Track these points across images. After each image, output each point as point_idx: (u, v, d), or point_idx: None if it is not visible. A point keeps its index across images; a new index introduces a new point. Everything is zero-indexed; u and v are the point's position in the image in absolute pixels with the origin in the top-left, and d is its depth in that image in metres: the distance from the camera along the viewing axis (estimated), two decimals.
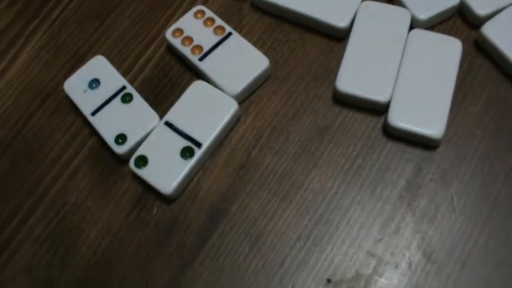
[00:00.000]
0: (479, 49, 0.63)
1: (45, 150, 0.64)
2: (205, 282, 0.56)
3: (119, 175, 0.61)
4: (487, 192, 0.56)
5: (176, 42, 0.65)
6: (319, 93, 0.63)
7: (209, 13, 0.66)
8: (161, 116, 0.61)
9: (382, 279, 0.54)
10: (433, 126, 0.57)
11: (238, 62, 0.63)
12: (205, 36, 0.65)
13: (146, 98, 0.63)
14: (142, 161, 0.59)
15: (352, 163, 0.59)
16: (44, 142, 0.64)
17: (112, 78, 0.64)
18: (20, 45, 0.71)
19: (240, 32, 0.66)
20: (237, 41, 0.64)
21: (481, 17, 0.63)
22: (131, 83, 0.65)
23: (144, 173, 0.58)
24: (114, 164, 0.62)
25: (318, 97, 0.63)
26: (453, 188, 0.57)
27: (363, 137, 0.60)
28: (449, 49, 0.61)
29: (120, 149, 0.60)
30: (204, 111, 0.60)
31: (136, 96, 0.62)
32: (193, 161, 0.58)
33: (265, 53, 0.63)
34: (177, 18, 0.67)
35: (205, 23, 0.65)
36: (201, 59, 0.63)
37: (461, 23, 0.65)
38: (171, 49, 0.67)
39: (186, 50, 0.64)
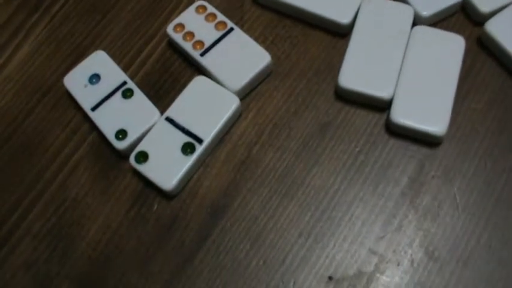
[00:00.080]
0: (482, 46, 0.63)
1: (45, 145, 0.63)
2: (206, 279, 0.55)
3: (119, 171, 0.61)
4: (490, 190, 0.56)
5: (177, 37, 0.64)
6: (321, 90, 0.63)
7: (211, 8, 0.66)
8: (162, 112, 0.61)
9: (384, 277, 0.54)
10: (436, 123, 0.57)
11: (240, 57, 0.62)
12: (206, 32, 0.64)
13: (147, 94, 0.62)
14: (142, 156, 0.58)
15: (354, 160, 0.59)
16: (44, 137, 0.64)
17: (112, 74, 0.63)
18: (20, 40, 0.71)
19: (241, 27, 0.65)
20: (239, 36, 0.64)
21: (485, 14, 0.63)
22: (132, 78, 0.65)
23: (144, 169, 0.58)
24: (115, 160, 0.62)
25: (320, 93, 0.62)
26: (456, 185, 0.57)
27: (365, 133, 0.60)
28: (453, 46, 0.61)
29: (120, 145, 0.59)
30: (205, 107, 0.60)
31: (137, 91, 0.62)
32: (194, 157, 0.58)
33: (267, 49, 0.63)
34: (179, 13, 0.66)
35: (206, 18, 0.65)
36: (202, 55, 0.63)
37: (465, 20, 0.65)
38: (172, 44, 0.67)
39: (187, 45, 0.64)
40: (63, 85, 0.64)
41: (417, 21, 0.63)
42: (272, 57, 0.62)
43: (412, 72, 0.59)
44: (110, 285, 0.56)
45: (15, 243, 0.59)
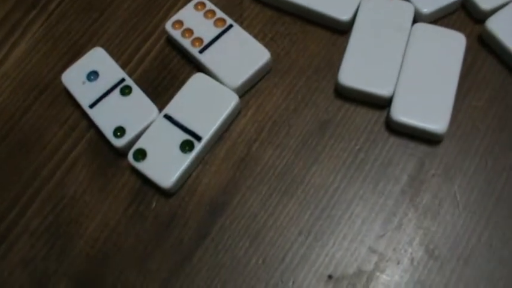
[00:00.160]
0: (483, 44, 0.63)
1: (43, 142, 0.63)
2: (205, 277, 0.55)
3: (117, 168, 0.61)
4: (491, 188, 0.56)
5: (176, 34, 0.64)
6: (321, 87, 0.62)
7: (210, 5, 0.65)
8: (160, 109, 0.60)
9: (384, 276, 0.53)
10: (436, 121, 0.56)
11: (239, 54, 0.62)
12: (205, 29, 0.64)
13: (145, 91, 0.62)
14: (141, 154, 0.58)
15: (354, 158, 0.59)
16: (41, 134, 0.63)
17: (111, 70, 0.63)
18: (18, 36, 0.70)
19: (241, 24, 0.65)
20: (238, 33, 0.63)
21: (485, 11, 0.62)
22: (130, 75, 0.64)
23: (142, 166, 0.58)
24: (113, 157, 0.61)
25: (320, 91, 0.62)
26: (456, 184, 0.56)
27: (365, 131, 0.60)
28: (453, 43, 0.61)
29: (118, 142, 0.59)
30: (204, 104, 0.60)
31: (136, 88, 0.62)
32: (193, 154, 0.58)
33: (266, 46, 0.62)
34: (177, 10, 0.66)
35: (205, 15, 0.65)
36: (201, 52, 0.63)
37: (465, 17, 0.65)
38: (171, 41, 0.66)
39: (186, 42, 0.63)
40: (60, 82, 0.64)
41: (418, 18, 0.63)
42: (271, 54, 0.62)
43: (412, 70, 0.59)
44: (108, 283, 0.56)
45: (13, 240, 0.59)
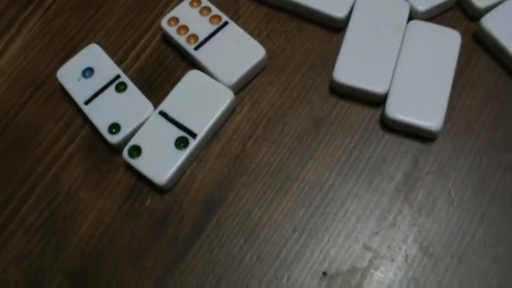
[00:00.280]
0: (478, 42, 0.63)
1: (38, 139, 0.63)
2: (199, 274, 0.55)
3: (112, 165, 0.61)
4: (485, 186, 0.56)
5: (172, 31, 0.64)
6: (316, 84, 0.62)
7: (205, 2, 0.65)
8: (156, 106, 0.60)
9: (378, 273, 0.53)
10: (431, 118, 0.57)
11: (234, 51, 0.62)
12: (201, 25, 0.64)
13: (141, 88, 0.62)
14: (136, 151, 0.58)
15: (349, 155, 0.59)
16: (36, 131, 0.63)
17: (106, 67, 0.63)
18: (13, 33, 0.70)
19: (236, 21, 0.65)
20: (233, 30, 0.63)
21: (480, 9, 0.62)
22: (125, 71, 0.64)
23: (137, 163, 0.58)
24: (108, 154, 0.61)
25: (315, 88, 0.62)
26: (451, 181, 0.56)
27: (360, 128, 0.60)
28: (448, 41, 0.61)
29: (113, 139, 0.59)
30: (199, 101, 0.60)
31: (131, 85, 0.62)
32: (187, 151, 0.58)
33: (262, 43, 0.62)
34: (173, 7, 0.66)
35: (201, 12, 0.65)
36: (196, 48, 0.63)
37: (461, 15, 0.65)
38: (166, 38, 0.66)
39: (181, 39, 0.63)
40: (56, 79, 0.63)
41: (413, 15, 0.63)
42: (267, 51, 0.62)
43: (407, 67, 0.59)
44: (103, 280, 0.56)
45: (8, 237, 0.58)
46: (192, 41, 0.63)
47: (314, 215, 0.56)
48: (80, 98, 0.62)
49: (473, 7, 0.63)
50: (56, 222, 0.59)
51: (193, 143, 0.58)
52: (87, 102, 0.61)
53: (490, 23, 0.61)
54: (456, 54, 0.60)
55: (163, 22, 0.64)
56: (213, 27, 0.63)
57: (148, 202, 0.58)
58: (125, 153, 0.58)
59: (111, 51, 0.66)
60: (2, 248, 0.58)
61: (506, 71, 0.61)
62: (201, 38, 0.63)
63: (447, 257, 0.53)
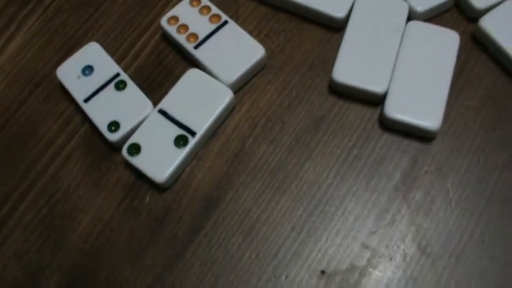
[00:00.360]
0: (476, 42, 0.63)
1: (37, 136, 0.63)
2: (198, 272, 0.55)
3: (111, 163, 0.61)
4: (483, 185, 0.56)
5: (171, 29, 0.64)
6: (315, 84, 0.62)
7: (205, 1, 0.65)
8: (155, 104, 0.60)
9: (377, 272, 0.54)
10: (429, 118, 0.57)
11: (234, 50, 0.62)
12: (200, 24, 0.64)
13: (140, 86, 0.62)
14: (135, 148, 0.58)
15: (348, 154, 0.59)
16: (36, 128, 0.63)
17: (106, 65, 0.63)
18: (13, 31, 0.70)
19: (236, 20, 0.65)
20: (233, 29, 0.64)
21: (479, 10, 0.63)
22: (125, 70, 0.64)
23: (136, 161, 0.58)
24: (107, 152, 0.61)
25: (314, 87, 0.62)
26: (449, 181, 0.57)
27: (358, 128, 0.60)
28: (447, 41, 0.61)
29: (112, 137, 0.59)
30: (199, 100, 0.60)
31: (130, 83, 0.62)
32: (187, 149, 0.58)
33: (261, 42, 0.63)
34: (173, 6, 0.66)
35: (201, 11, 0.65)
36: (196, 47, 0.63)
37: (459, 16, 0.65)
38: (166, 37, 0.67)
39: (181, 38, 0.63)
40: (55, 77, 0.64)
41: (412, 16, 0.63)
42: (266, 50, 0.62)
43: (406, 67, 0.59)
44: (102, 278, 0.56)
45: (7, 233, 0.59)
46: (192, 39, 0.63)
47: (313, 214, 0.56)
48: (79, 96, 0.62)
49: (471, 8, 0.63)
50: (55, 219, 0.59)
51: (192, 142, 0.58)
52: (86, 100, 0.61)
53: (489, 24, 0.61)
54: (455, 54, 0.60)
55: (163, 21, 0.65)
56: (213, 26, 0.64)
57: (147, 200, 0.58)
58: (124, 151, 0.58)
59: (110, 49, 0.66)
60: (0, 245, 0.58)
61: (504, 72, 0.61)
62: (201, 37, 0.63)
63: (445, 256, 0.53)
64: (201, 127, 0.59)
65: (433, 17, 0.64)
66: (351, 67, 0.60)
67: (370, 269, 0.54)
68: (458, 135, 0.59)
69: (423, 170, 0.57)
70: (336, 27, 0.65)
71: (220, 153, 0.60)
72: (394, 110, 0.57)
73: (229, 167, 0.59)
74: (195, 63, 0.64)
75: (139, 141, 0.58)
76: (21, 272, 0.57)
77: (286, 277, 0.54)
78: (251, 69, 0.62)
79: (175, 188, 0.59)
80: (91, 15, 0.70)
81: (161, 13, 0.68)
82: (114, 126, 0.59)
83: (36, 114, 0.64)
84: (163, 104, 0.60)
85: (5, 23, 0.71)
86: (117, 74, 0.62)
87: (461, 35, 0.62)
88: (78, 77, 0.62)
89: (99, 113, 0.60)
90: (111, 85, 0.62)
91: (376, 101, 0.60)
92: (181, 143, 0.58)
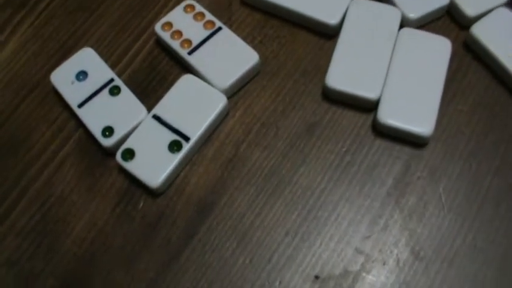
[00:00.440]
0: (468, 49, 0.64)
1: (31, 142, 0.63)
2: (191, 277, 0.55)
3: (105, 168, 0.61)
4: (475, 191, 0.57)
5: (165, 35, 0.64)
6: (309, 90, 0.63)
7: (199, 7, 0.66)
8: (149, 110, 0.61)
9: (370, 276, 0.54)
10: (422, 124, 0.57)
11: (228, 56, 0.62)
12: (194, 31, 0.64)
13: (134, 91, 0.62)
14: (129, 154, 0.58)
15: (341, 160, 0.59)
16: (29, 134, 0.63)
17: (100, 71, 0.63)
18: (6, 36, 0.70)
19: (230, 27, 0.65)
20: (227, 35, 0.64)
21: (470, 17, 0.63)
22: (119, 75, 0.64)
23: (131, 166, 0.58)
24: (101, 157, 0.61)
25: (307, 93, 0.63)
26: (441, 186, 0.57)
27: (352, 134, 0.60)
28: (439, 48, 0.61)
29: (107, 142, 0.59)
30: (193, 105, 0.60)
31: (124, 89, 0.62)
32: (181, 154, 0.58)
33: (255, 49, 0.63)
34: (167, 12, 0.66)
35: (195, 17, 0.65)
36: (190, 53, 0.63)
37: (451, 23, 0.66)
38: (160, 42, 0.67)
39: (175, 44, 0.64)
40: (49, 82, 0.63)
41: (404, 23, 0.64)
42: (260, 56, 0.63)
43: (399, 74, 0.60)
44: (95, 283, 0.56)
45: None
46: (186, 45, 0.63)
47: (306, 219, 0.57)
48: (73, 101, 0.62)
49: (463, 15, 0.64)
50: (48, 225, 0.58)
51: (186, 147, 0.58)
52: (80, 106, 0.61)
53: (480, 31, 0.62)
54: (447, 61, 0.61)
55: (158, 27, 0.65)
56: (207, 33, 0.64)
57: (141, 205, 0.58)
58: (118, 156, 0.58)
59: (105, 55, 0.66)
60: None
61: (495, 79, 0.62)
62: (195, 43, 0.63)
63: (438, 261, 0.54)
64: (195, 132, 0.59)
65: (425, 24, 0.65)
66: (344, 73, 0.60)
67: (364, 274, 0.54)
68: (451, 141, 0.59)
69: (416, 176, 0.58)
70: (329, 34, 0.65)
71: (214, 158, 0.60)
72: (387, 116, 0.58)
73: (223, 172, 0.59)
74: (189, 69, 0.64)
75: (133, 147, 0.58)
76: (14, 279, 0.56)
77: (280, 282, 0.54)
78: (245, 75, 0.62)
79: (169, 193, 0.59)
80: (85, 21, 0.70)
81: (155, 19, 0.68)
82: (108, 131, 0.59)
83: (30, 119, 0.64)
84: (158, 110, 0.60)
85: None
86: (112, 80, 0.62)
87: (453, 42, 0.62)
88: (72, 82, 0.62)
89: (93, 118, 0.60)
90: (105, 90, 0.62)
91: (369, 107, 0.60)
92: (175, 148, 0.58)
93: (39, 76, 0.67)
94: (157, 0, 0.70)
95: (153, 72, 0.65)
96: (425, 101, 0.58)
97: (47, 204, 0.59)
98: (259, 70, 0.64)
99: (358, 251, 0.55)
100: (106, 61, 0.64)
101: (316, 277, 0.54)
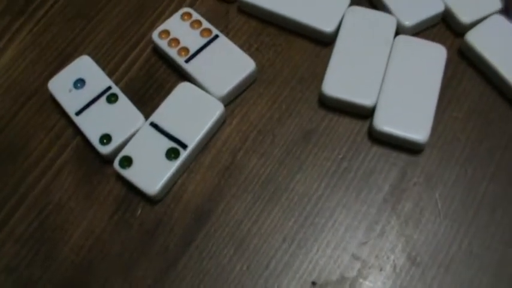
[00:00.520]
0: (463, 56, 0.64)
1: (29, 149, 0.63)
2: (189, 284, 0.55)
3: (103, 176, 0.61)
4: (471, 197, 0.57)
5: (163, 43, 0.65)
6: (305, 97, 0.63)
7: (196, 15, 0.66)
8: (146, 117, 0.61)
9: (367, 282, 0.54)
10: (418, 130, 0.58)
11: (225, 64, 0.63)
12: (192, 38, 0.65)
13: (132, 99, 0.62)
14: (127, 161, 0.58)
15: (338, 167, 0.59)
16: (27, 141, 0.63)
17: (97, 79, 0.63)
18: (5, 44, 0.70)
19: (226, 34, 0.66)
20: (224, 43, 0.64)
21: (465, 24, 0.64)
22: (117, 83, 0.65)
23: (128, 173, 0.58)
24: (98, 165, 0.61)
25: (304, 101, 0.63)
26: (437, 192, 0.57)
27: (348, 141, 0.61)
28: (434, 55, 0.62)
29: (104, 149, 0.59)
30: (190, 113, 0.60)
31: (122, 96, 0.62)
32: (178, 162, 0.58)
33: (252, 56, 0.63)
34: (164, 20, 0.67)
35: (192, 25, 0.65)
36: (187, 61, 0.63)
37: (446, 30, 0.66)
38: (157, 50, 0.67)
39: (172, 52, 0.64)
40: (47, 89, 0.64)
41: (400, 30, 0.64)
42: (257, 64, 0.63)
43: (394, 81, 0.60)
44: None
45: None
46: (183, 53, 0.64)
47: (303, 226, 0.57)
48: (71, 109, 0.62)
49: (458, 23, 0.64)
50: (46, 232, 0.59)
51: (183, 154, 0.58)
52: (78, 113, 0.61)
53: (475, 39, 0.62)
54: (442, 68, 0.61)
55: (155, 35, 0.65)
56: (204, 40, 0.64)
57: (138, 212, 0.59)
58: (116, 163, 0.58)
59: (102, 63, 0.66)
60: None
61: (490, 85, 0.62)
62: (192, 51, 0.64)
63: (434, 267, 0.54)
64: (192, 140, 0.59)
65: (420, 31, 0.65)
66: (340, 81, 0.60)
67: (361, 280, 0.54)
68: (446, 147, 0.59)
69: (412, 182, 0.58)
70: (325, 42, 0.65)
71: (212, 165, 0.60)
72: (383, 123, 0.58)
73: (220, 179, 0.60)
74: (186, 77, 0.64)
75: (131, 154, 0.59)
76: (13, 286, 0.56)
77: None
78: (242, 83, 0.63)
79: (167, 200, 0.59)
80: (83, 29, 0.70)
81: (152, 27, 0.68)
82: (105, 139, 0.60)
83: (27, 127, 0.64)
84: (155, 117, 0.60)
85: None
86: (109, 87, 0.63)
87: (449, 49, 0.63)
88: (70, 90, 0.63)
89: (91, 126, 0.61)
90: (103, 98, 0.62)
91: (365, 114, 0.61)
92: (172, 155, 0.58)
93: (37, 83, 0.67)
94: (155, 7, 0.71)
95: (150, 80, 0.66)
96: (421, 107, 0.59)
97: (45, 212, 0.60)
98: (256, 78, 0.64)
99: (355, 257, 0.55)
100: (103, 69, 0.65)
101: (313, 283, 0.54)
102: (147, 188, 0.57)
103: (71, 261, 0.57)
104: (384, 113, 0.58)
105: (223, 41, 0.64)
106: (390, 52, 0.62)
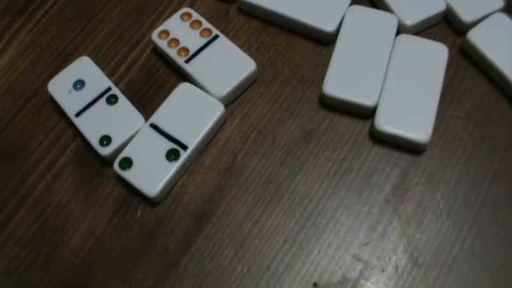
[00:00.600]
0: (465, 55, 0.64)
1: (28, 151, 0.63)
2: (190, 286, 0.55)
3: (103, 177, 0.61)
4: (473, 196, 0.57)
5: (162, 44, 0.64)
6: (306, 97, 0.63)
7: (196, 15, 0.66)
8: (146, 118, 0.61)
9: (369, 284, 0.54)
10: (419, 130, 0.57)
11: (225, 64, 0.62)
12: (191, 39, 0.64)
13: (131, 100, 0.62)
14: (127, 163, 0.58)
15: (339, 167, 0.59)
16: (26, 143, 0.63)
17: (97, 80, 0.63)
18: (4, 44, 0.70)
19: (226, 34, 0.65)
20: (224, 43, 0.64)
21: (467, 23, 0.63)
22: (116, 84, 0.64)
23: (128, 175, 0.58)
24: (98, 166, 0.61)
25: (305, 101, 0.63)
26: (439, 192, 0.57)
27: (349, 141, 0.60)
28: (436, 54, 0.61)
29: (104, 151, 0.59)
30: (190, 114, 0.60)
31: (122, 97, 0.62)
32: (178, 163, 0.58)
33: (252, 56, 0.63)
34: (164, 20, 0.67)
35: (191, 25, 0.65)
36: (187, 61, 0.63)
37: (447, 29, 0.66)
38: (157, 51, 0.67)
39: (172, 52, 0.64)
40: (47, 91, 0.64)
41: (401, 29, 0.64)
42: (257, 64, 0.63)
43: (396, 80, 0.60)
44: None
45: None
46: (183, 53, 0.63)
47: (305, 226, 0.57)
48: (70, 110, 0.62)
49: (459, 21, 0.64)
50: (46, 234, 0.58)
51: (184, 155, 0.58)
52: (78, 115, 0.61)
53: (476, 37, 0.62)
54: (443, 67, 0.61)
55: (154, 35, 0.65)
56: (204, 41, 0.64)
57: (139, 214, 0.58)
58: (116, 165, 0.58)
59: (102, 63, 0.66)
60: None
61: (492, 84, 0.62)
62: (192, 51, 0.63)
63: (436, 267, 0.54)
64: (192, 141, 0.59)
65: (422, 30, 0.65)
66: (341, 80, 0.60)
67: (363, 281, 0.54)
68: (448, 147, 0.59)
69: (414, 182, 0.58)
70: (326, 41, 0.65)
71: (212, 166, 0.60)
72: (384, 123, 0.58)
73: (221, 180, 0.59)
74: (186, 77, 0.64)
75: (131, 155, 0.58)
76: None
77: None
78: (242, 83, 0.62)
79: (167, 201, 0.59)
80: (82, 29, 0.70)
81: (152, 27, 0.68)
82: (105, 140, 0.59)
83: (27, 128, 0.64)
84: (155, 118, 0.60)
85: None
86: (109, 88, 0.62)
87: (450, 48, 0.62)
88: (70, 91, 0.62)
89: (91, 127, 0.60)
90: (103, 99, 0.62)
91: (367, 114, 0.60)
92: (172, 157, 0.58)
93: (37, 84, 0.67)
94: (155, 7, 0.71)
95: (150, 81, 0.65)
96: (423, 107, 0.58)
97: (44, 214, 0.59)
98: (256, 78, 0.64)
99: (357, 258, 0.55)
100: (103, 70, 0.64)
101: (315, 285, 0.54)
102: (147, 189, 0.57)
103: (71, 263, 0.57)
104: (385, 113, 0.58)
105: (223, 41, 0.64)
106: (391, 51, 0.62)
